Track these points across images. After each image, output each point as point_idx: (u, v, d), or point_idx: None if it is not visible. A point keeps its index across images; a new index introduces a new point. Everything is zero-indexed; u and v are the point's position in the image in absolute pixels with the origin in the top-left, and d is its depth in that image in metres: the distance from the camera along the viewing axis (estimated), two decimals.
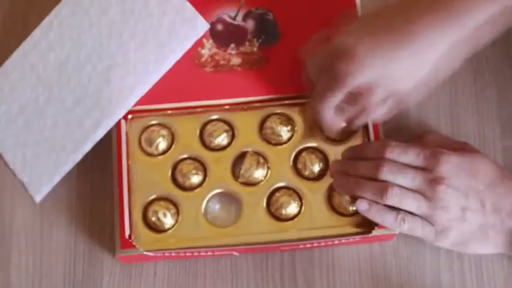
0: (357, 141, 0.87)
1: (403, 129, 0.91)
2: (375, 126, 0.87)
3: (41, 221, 0.90)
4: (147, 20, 0.90)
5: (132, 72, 0.89)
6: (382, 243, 0.87)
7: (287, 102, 0.89)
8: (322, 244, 0.85)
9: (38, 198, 0.89)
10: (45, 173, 0.89)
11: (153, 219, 0.86)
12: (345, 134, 0.87)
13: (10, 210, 0.90)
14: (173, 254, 0.84)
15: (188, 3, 0.90)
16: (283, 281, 0.87)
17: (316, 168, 0.86)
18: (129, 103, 0.88)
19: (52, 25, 0.92)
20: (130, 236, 0.84)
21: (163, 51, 0.89)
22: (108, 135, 0.89)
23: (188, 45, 0.90)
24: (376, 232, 0.83)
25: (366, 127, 0.87)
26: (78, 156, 0.88)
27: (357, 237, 0.84)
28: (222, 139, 0.88)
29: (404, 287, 0.86)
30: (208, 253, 0.85)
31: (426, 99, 0.92)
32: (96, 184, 0.90)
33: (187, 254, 0.85)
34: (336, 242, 0.85)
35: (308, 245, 0.85)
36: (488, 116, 0.91)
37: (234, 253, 0.87)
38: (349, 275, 0.87)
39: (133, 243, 0.83)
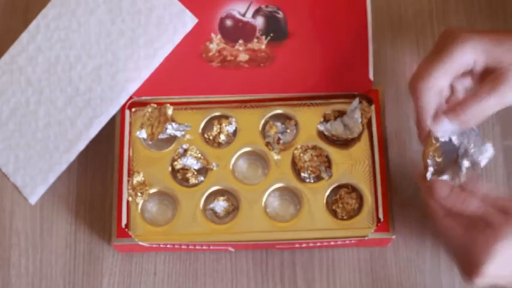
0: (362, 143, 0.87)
1: (405, 130, 0.91)
2: (379, 128, 0.87)
3: (41, 221, 0.90)
4: (135, 17, 0.90)
5: (123, 70, 0.89)
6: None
7: (292, 102, 0.89)
8: (318, 245, 0.85)
9: (32, 200, 0.89)
10: (39, 174, 0.89)
11: (152, 212, 0.86)
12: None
13: (10, 210, 0.90)
14: (168, 246, 0.85)
15: None
16: (283, 280, 0.87)
17: (317, 169, 0.87)
18: (121, 101, 0.89)
19: (39, 28, 0.91)
20: (127, 225, 0.85)
21: (153, 47, 0.89)
22: (107, 136, 0.89)
23: (177, 40, 0.90)
24: (372, 236, 0.83)
25: (369, 128, 0.87)
26: (72, 156, 0.88)
27: (353, 240, 0.84)
28: (224, 136, 0.88)
29: (404, 287, 0.87)
30: (204, 247, 0.86)
31: None
32: (96, 184, 0.91)
33: (183, 247, 0.85)
34: (332, 243, 0.85)
35: (304, 245, 0.85)
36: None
37: (230, 248, 0.87)
38: (349, 275, 0.87)
39: (130, 235, 0.84)
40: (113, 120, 0.89)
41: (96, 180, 0.91)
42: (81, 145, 0.88)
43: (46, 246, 0.89)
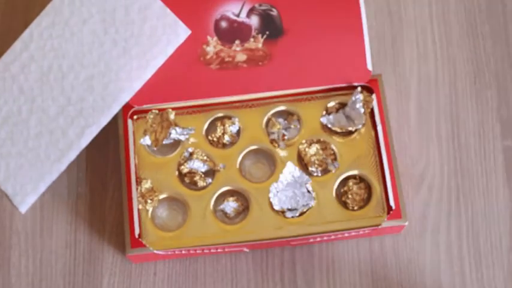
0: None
1: (405, 128, 0.91)
2: (382, 117, 0.87)
3: (41, 221, 0.90)
4: (128, 28, 0.90)
5: (115, 80, 0.88)
6: (383, 243, 0.87)
7: (293, 98, 0.89)
8: (333, 237, 0.86)
9: (23, 209, 0.89)
10: (29, 183, 0.88)
11: (162, 218, 0.86)
12: None
13: (10, 210, 0.90)
14: (183, 252, 0.85)
15: (168, 10, 0.90)
16: (283, 280, 0.87)
17: (324, 163, 0.87)
18: (113, 111, 0.88)
19: (32, 36, 0.91)
20: (140, 235, 0.84)
21: (145, 58, 0.89)
22: (106, 135, 0.89)
23: (170, 51, 0.90)
24: (385, 224, 0.83)
25: (374, 124, 0.88)
26: (63, 165, 0.88)
27: (367, 230, 0.84)
28: (228, 137, 0.88)
29: (404, 287, 0.86)
30: (219, 250, 0.85)
31: (426, 99, 0.92)
32: (96, 184, 0.91)
33: (198, 252, 0.85)
34: (346, 234, 0.85)
35: (318, 239, 0.85)
36: (488, 116, 0.91)
37: (244, 249, 0.87)
38: (349, 275, 0.87)
39: (144, 243, 0.83)
40: (113, 119, 0.89)
41: (96, 180, 0.91)
42: (72, 155, 0.88)
43: (46, 246, 0.89)
